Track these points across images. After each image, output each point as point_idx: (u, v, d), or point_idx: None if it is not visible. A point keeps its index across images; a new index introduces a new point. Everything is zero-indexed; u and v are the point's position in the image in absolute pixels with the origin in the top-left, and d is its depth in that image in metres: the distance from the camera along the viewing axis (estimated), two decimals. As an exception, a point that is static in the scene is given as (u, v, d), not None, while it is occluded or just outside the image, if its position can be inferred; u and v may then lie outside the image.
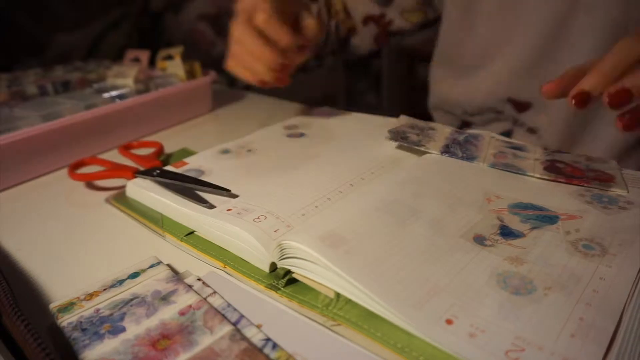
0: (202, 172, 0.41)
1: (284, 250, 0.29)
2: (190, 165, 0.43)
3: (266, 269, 0.30)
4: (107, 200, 0.42)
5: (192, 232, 0.35)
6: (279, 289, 0.29)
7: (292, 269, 0.29)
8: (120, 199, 0.41)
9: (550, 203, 0.34)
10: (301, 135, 0.50)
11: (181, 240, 0.34)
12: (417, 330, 0.23)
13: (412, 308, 0.24)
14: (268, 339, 0.24)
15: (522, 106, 0.59)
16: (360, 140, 0.46)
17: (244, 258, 0.32)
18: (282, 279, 0.29)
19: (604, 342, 0.22)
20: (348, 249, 0.28)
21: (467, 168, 0.40)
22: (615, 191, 0.35)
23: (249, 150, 0.46)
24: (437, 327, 0.23)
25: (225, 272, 0.31)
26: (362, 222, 0.31)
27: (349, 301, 0.27)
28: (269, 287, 0.29)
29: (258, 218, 0.33)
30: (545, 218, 0.32)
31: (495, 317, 0.24)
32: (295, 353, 0.23)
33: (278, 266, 0.30)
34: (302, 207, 0.34)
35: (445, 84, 0.67)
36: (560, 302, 0.24)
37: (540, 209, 0.33)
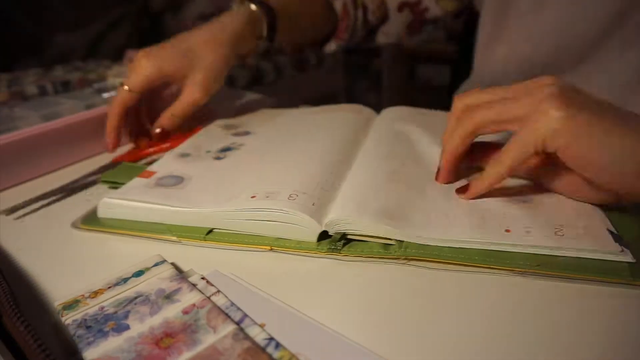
0: (181, 179, 0.39)
1: (338, 226, 0.31)
2: (160, 174, 0.40)
3: (314, 239, 0.32)
4: (74, 225, 0.37)
5: (211, 230, 0.34)
6: (339, 251, 0.31)
7: (348, 232, 0.31)
8: (91, 221, 0.37)
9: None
10: (247, 133, 0.50)
11: (204, 240, 0.33)
12: (489, 245, 0.29)
13: (478, 229, 0.30)
14: (271, 338, 0.24)
15: None
16: (322, 123, 0.49)
17: (283, 237, 0.32)
18: (339, 242, 0.31)
19: None
20: (401, 214, 0.32)
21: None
22: None
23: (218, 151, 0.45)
24: (499, 236, 0.30)
25: (229, 273, 0.30)
26: (388, 186, 0.35)
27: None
28: (330, 251, 0.31)
29: (291, 196, 0.33)
30: None
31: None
32: (298, 353, 0.23)
33: (332, 233, 0.31)
34: (316, 182, 0.35)
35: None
36: None
37: None
